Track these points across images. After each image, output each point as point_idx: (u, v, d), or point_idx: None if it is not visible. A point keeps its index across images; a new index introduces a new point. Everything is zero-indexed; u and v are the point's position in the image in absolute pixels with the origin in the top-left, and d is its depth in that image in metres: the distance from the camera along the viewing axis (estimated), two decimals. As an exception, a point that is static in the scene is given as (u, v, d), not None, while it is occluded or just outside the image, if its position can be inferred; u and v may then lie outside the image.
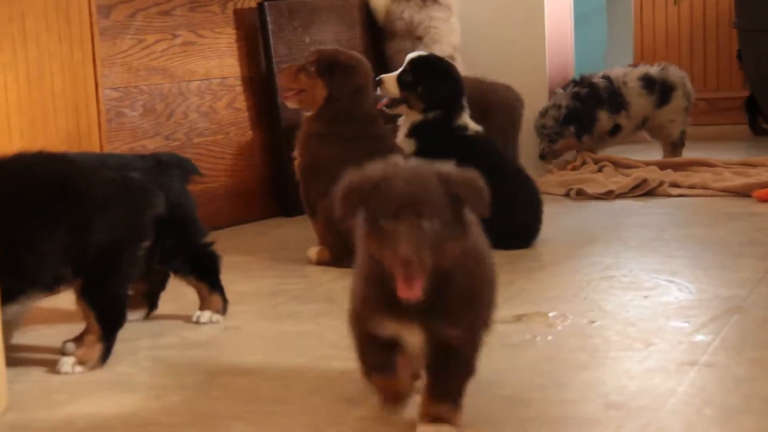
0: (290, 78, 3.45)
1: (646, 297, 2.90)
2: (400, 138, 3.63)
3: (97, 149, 3.33)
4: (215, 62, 4.04)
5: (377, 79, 3.57)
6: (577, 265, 3.34)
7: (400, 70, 3.66)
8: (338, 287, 3.14)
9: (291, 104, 3.49)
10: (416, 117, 3.60)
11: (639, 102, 5.10)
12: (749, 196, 4.29)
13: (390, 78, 3.62)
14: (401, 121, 3.68)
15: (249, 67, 4.22)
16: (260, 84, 4.26)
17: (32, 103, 3.10)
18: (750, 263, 3.22)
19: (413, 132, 3.61)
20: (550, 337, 2.58)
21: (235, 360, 2.47)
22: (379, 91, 3.57)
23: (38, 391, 2.32)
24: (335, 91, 3.42)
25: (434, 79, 3.61)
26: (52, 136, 3.17)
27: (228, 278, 2.84)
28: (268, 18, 4.23)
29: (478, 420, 2.06)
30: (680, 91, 5.17)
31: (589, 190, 4.48)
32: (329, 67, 3.43)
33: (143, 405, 2.23)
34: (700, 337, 2.52)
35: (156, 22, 3.75)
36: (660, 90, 5.12)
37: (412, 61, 3.67)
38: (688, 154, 5.14)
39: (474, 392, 2.23)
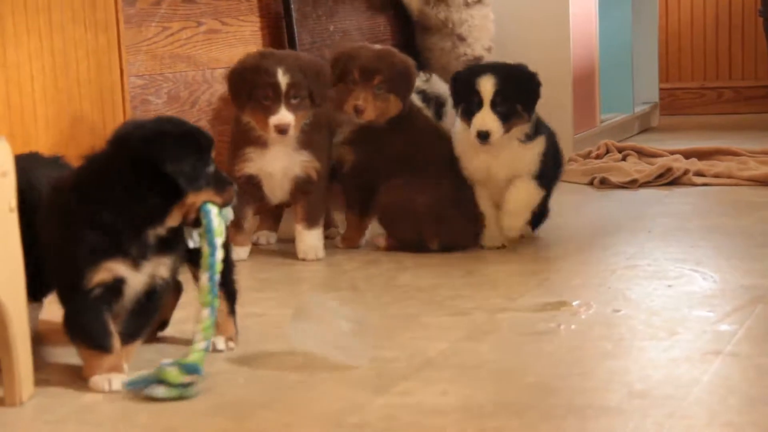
0: (372, 109, 3.39)
1: (670, 286, 2.90)
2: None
3: (121, 137, 3.34)
4: (239, 50, 4.04)
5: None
6: (601, 255, 3.33)
7: None
8: (361, 275, 3.15)
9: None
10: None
11: None
12: (775, 185, 4.28)
13: None
14: None
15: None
16: (284, 72, 4.26)
17: (58, 91, 3.11)
18: (775, 253, 3.21)
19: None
20: (574, 326, 2.58)
21: (258, 348, 2.48)
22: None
23: (62, 379, 2.33)
24: (406, 100, 3.50)
25: None
26: (77, 123, 3.18)
27: (251, 265, 2.85)
28: (293, 6, 4.23)
29: (502, 408, 2.06)
30: (449, 104, 4.83)
31: (613, 178, 4.47)
32: (400, 82, 3.46)
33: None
34: (724, 327, 2.52)
35: (181, 10, 3.76)
36: (436, 104, 4.81)
37: None
38: (712, 143, 5.11)
39: (498, 380, 2.24)
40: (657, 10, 6.38)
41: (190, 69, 3.80)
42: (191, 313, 2.59)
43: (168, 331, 2.60)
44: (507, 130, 3.23)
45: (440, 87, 4.53)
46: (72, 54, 3.16)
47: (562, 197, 4.30)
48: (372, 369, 2.31)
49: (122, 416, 2.10)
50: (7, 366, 2.16)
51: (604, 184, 4.47)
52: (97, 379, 2.24)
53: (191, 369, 2.19)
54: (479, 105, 3.22)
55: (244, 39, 4.08)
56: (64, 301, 2.30)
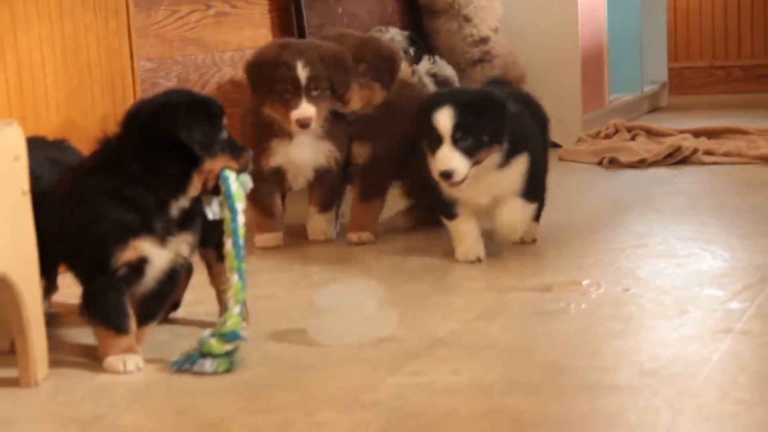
0: (357, 99, 3.28)
1: (680, 265, 2.90)
2: None
3: (132, 120, 3.35)
4: (248, 33, 4.04)
5: None
6: (611, 234, 3.33)
7: None
8: (371, 256, 3.16)
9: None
10: None
11: None
12: (784, 163, 4.27)
13: None
14: None
15: (282, 37, 4.22)
16: (293, 54, 4.26)
17: (69, 75, 3.11)
18: (784, 231, 3.21)
19: None
20: (584, 305, 2.59)
21: (272, 328, 2.49)
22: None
23: (77, 360, 2.35)
24: (391, 87, 3.35)
25: None
26: (88, 107, 3.18)
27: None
28: (301, -12, 4.23)
29: (513, 386, 2.07)
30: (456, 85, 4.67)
31: (622, 158, 4.47)
32: (384, 70, 3.32)
33: (184, 373, 2.25)
34: (734, 305, 2.52)
35: (190, -7, 3.76)
36: (444, 86, 4.54)
37: None
38: (722, 122, 5.10)
39: (509, 359, 2.25)
40: (665, -10, 6.36)
41: (199, 52, 3.80)
42: (202, 295, 2.62)
43: (179, 313, 2.61)
44: (475, 164, 2.87)
45: (447, 70, 4.55)
46: (82, 38, 3.16)
47: (572, 177, 4.31)
48: (384, 349, 2.32)
49: (136, 396, 2.12)
50: (22, 347, 2.18)
51: (613, 163, 4.47)
52: (112, 360, 2.25)
53: (231, 336, 2.23)
54: (439, 141, 2.86)
55: (254, 21, 4.08)
56: (85, 281, 2.31)
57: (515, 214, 2.98)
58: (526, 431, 1.85)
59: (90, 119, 3.18)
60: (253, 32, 4.06)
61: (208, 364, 2.22)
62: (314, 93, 3.15)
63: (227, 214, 2.27)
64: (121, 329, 2.26)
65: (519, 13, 5.02)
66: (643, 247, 3.11)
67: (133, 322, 2.29)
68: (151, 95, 2.39)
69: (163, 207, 2.26)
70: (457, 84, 4.57)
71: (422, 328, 2.45)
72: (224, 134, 2.30)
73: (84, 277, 2.31)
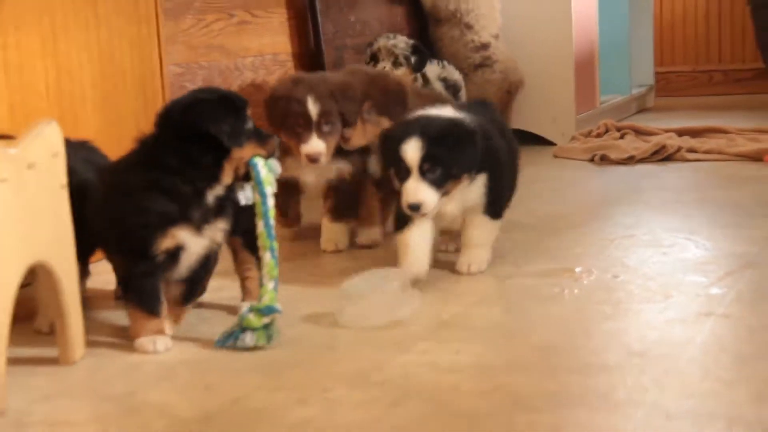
0: (359, 136, 3.07)
1: (665, 254, 2.89)
2: None
3: (161, 120, 3.35)
4: (268, 40, 4.04)
5: None
6: (602, 225, 3.33)
7: None
8: (379, 251, 3.16)
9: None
10: None
11: None
12: (761, 160, 4.26)
13: None
14: None
15: (299, 44, 4.22)
16: (309, 59, 4.26)
17: (104, 78, 3.12)
18: (762, 222, 3.20)
19: None
20: (576, 291, 2.58)
21: (288, 312, 2.48)
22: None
23: (111, 341, 2.35)
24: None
25: None
26: (121, 108, 3.19)
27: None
28: (317, -2, 4.23)
29: (511, 366, 2.07)
30: (464, 90, 4.70)
31: (612, 155, 4.47)
32: (392, 105, 3.09)
33: (204, 352, 2.25)
34: (716, 291, 2.52)
35: (214, 3, 3.75)
36: (453, 90, 4.61)
37: None
38: (704, 122, 5.09)
39: (507, 340, 2.24)
40: (652, 1, 6.35)
41: (223, 57, 3.80)
42: (225, 282, 2.62)
43: (204, 298, 2.61)
44: (444, 194, 2.61)
45: (455, 74, 4.55)
46: (116, 44, 3.16)
47: (566, 173, 4.30)
48: (393, 331, 2.31)
49: (165, 374, 2.12)
50: (61, 329, 2.18)
51: (604, 160, 4.46)
52: (144, 341, 2.26)
53: (268, 310, 2.24)
54: (407, 173, 2.59)
55: (273, 29, 4.08)
56: (124, 267, 2.31)
57: (480, 231, 2.76)
58: (522, 407, 1.85)
59: (123, 119, 3.19)
60: (272, 39, 4.06)
61: (248, 338, 2.24)
62: (325, 128, 2.99)
63: (258, 198, 2.29)
64: (153, 312, 2.27)
65: (518, 23, 5.01)
66: (631, 237, 3.11)
67: (164, 306, 2.29)
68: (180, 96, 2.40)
69: (199, 196, 2.27)
70: (463, 88, 4.56)
71: (427, 312, 2.45)
72: (250, 124, 2.32)
73: (123, 263, 2.32)
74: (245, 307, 2.26)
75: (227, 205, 2.34)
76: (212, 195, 2.29)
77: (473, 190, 2.69)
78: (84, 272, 2.63)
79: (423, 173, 2.57)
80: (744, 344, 2.15)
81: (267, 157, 2.31)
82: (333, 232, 3.17)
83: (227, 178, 2.30)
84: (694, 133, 4.86)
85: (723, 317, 2.31)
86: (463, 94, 4.53)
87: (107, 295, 2.72)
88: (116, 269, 2.46)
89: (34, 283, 2.33)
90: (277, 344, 2.26)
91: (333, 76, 3.18)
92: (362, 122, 3.02)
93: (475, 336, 2.29)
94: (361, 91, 3.06)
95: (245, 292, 2.54)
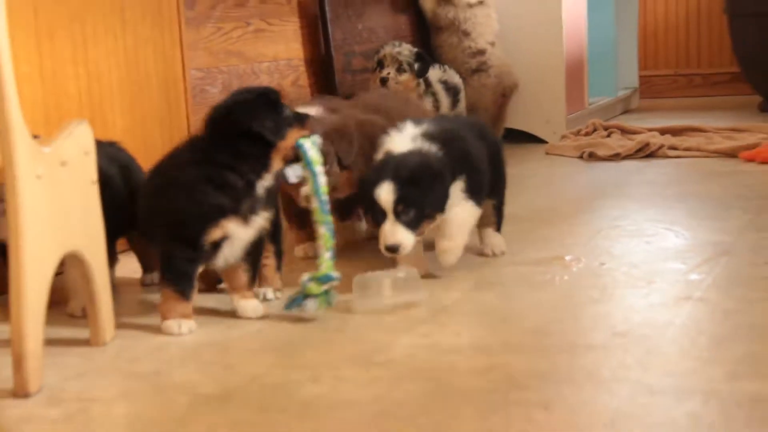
0: (345, 189, 2.77)
1: (648, 243, 2.89)
2: None
3: (184, 121, 3.35)
4: (282, 46, 4.04)
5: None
6: (589, 217, 3.33)
7: None
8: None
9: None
10: None
11: (444, 103, 4.41)
12: (736, 156, 4.25)
13: None
14: None
15: (310, 50, 4.22)
16: (320, 64, 4.26)
17: (131, 82, 3.12)
18: (737, 214, 3.20)
19: None
20: (566, 277, 2.58)
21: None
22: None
23: (138, 324, 2.36)
24: (351, 158, 2.77)
25: None
26: (146, 110, 3.19)
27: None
28: (327, 8, 4.22)
29: (506, 347, 2.07)
30: (462, 93, 4.57)
31: (600, 152, 4.46)
32: (346, 151, 2.75)
33: (225, 333, 2.26)
34: (694, 276, 2.52)
35: (233, 13, 3.75)
36: (453, 93, 4.48)
37: None
38: (684, 121, 5.08)
39: (503, 323, 2.24)
40: (637, 7, 6.34)
41: (240, 63, 3.80)
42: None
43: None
44: (419, 234, 2.51)
45: (455, 77, 4.54)
46: (142, 51, 3.16)
47: (557, 169, 4.30)
48: (398, 315, 2.31)
49: (189, 354, 2.12)
50: (92, 313, 2.19)
51: (592, 157, 4.46)
52: (170, 323, 2.26)
53: (326, 278, 2.28)
54: (383, 215, 2.47)
55: (286, 37, 4.07)
56: (170, 251, 2.29)
57: (460, 215, 2.58)
58: (516, 384, 1.85)
59: (148, 120, 3.19)
60: (286, 46, 4.06)
61: (311, 304, 2.27)
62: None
63: (309, 177, 2.30)
64: (185, 296, 2.27)
65: (513, 30, 5.00)
66: (616, 227, 3.11)
67: (195, 292, 2.29)
68: (223, 98, 2.38)
69: (251, 188, 2.28)
70: (462, 91, 4.55)
71: (429, 297, 2.45)
72: (287, 111, 2.32)
73: (169, 248, 2.30)
74: (306, 276, 2.27)
75: (274, 194, 2.36)
76: (262, 186, 2.30)
77: (453, 197, 2.55)
78: (113, 260, 2.64)
79: (398, 215, 2.45)
80: (719, 326, 2.15)
81: (309, 135, 2.32)
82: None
83: (277, 165, 2.31)
84: (675, 131, 4.85)
85: (700, 301, 2.31)
86: (462, 97, 4.52)
87: (134, 283, 2.72)
88: (144, 255, 2.45)
89: (65, 272, 2.33)
90: (291, 326, 2.26)
91: (328, 117, 2.83)
92: (348, 171, 2.71)
93: (473, 319, 2.29)
94: (324, 152, 2.58)
95: (261, 279, 2.53)
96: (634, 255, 2.77)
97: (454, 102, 4.41)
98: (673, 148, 4.49)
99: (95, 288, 2.17)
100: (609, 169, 4.22)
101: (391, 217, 2.46)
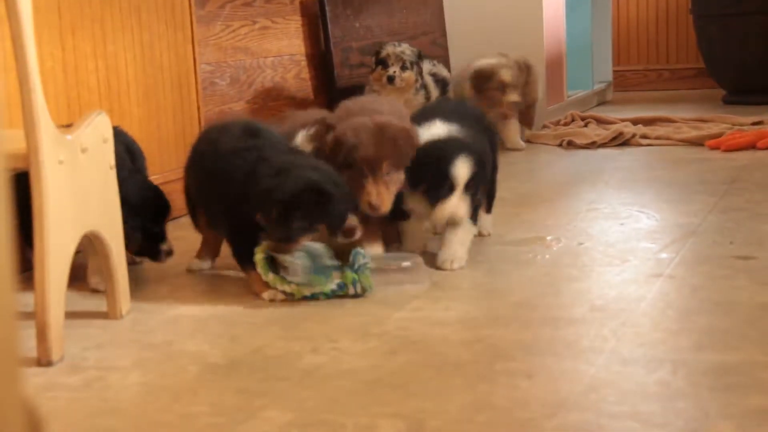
0: (388, 201, 2.42)
1: (622, 224, 2.88)
2: None
3: (195, 112, 3.33)
4: (285, 43, 4.01)
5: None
6: (569, 200, 3.31)
7: None
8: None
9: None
10: None
11: (434, 94, 4.31)
12: (702, 145, 4.24)
13: None
14: None
15: (311, 46, 4.19)
16: (320, 59, 4.23)
17: (146, 76, 3.09)
18: (702, 198, 3.18)
19: None
20: (547, 256, 2.56)
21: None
22: None
23: (152, 299, 2.34)
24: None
25: None
26: (161, 101, 3.16)
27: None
28: (327, 7, 4.19)
29: (492, 320, 2.05)
30: (450, 86, 4.49)
31: (577, 141, 4.44)
32: (405, 156, 2.45)
33: (231, 308, 2.24)
34: (664, 255, 2.50)
35: (240, 12, 3.72)
36: (442, 84, 4.41)
37: None
38: (654, 112, 5.07)
39: (489, 298, 2.23)
40: (611, 7, 6.31)
41: (247, 58, 3.77)
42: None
43: (228, 263, 2.59)
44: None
45: (444, 71, 4.50)
46: (156, 46, 3.13)
47: (538, 157, 4.28)
48: (391, 292, 2.29)
49: (199, 327, 2.11)
50: (110, 288, 2.17)
51: (571, 145, 4.44)
52: (270, 293, 2.25)
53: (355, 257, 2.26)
54: (450, 190, 2.41)
55: (290, 34, 4.05)
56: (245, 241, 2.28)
57: (462, 234, 2.51)
58: (501, 355, 1.83)
59: (162, 110, 3.16)
60: (289, 42, 4.03)
61: (355, 287, 2.23)
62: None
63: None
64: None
65: (494, 27, 4.97)
66: (594, 210, 3.09)
67: None
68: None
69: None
70: (450, 84, 4.51)
71: (421, 275, 2.43)
72: (316, 218, 2.21)
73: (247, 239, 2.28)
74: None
75: None
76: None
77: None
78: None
79: (465, 189, 2.42)
80: (687, 301, 2.14)
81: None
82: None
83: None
84: (646, 122, 4.83)
85: (669, 278, 2.30)
86: (450, 89, 4.49)
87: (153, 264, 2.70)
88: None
89: (84, 251, 2.31)
90: (293, 303, 2.25)
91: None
92: (386, 186, 2.39)
93: (462, 295, 2.28)
94: (377, 155, 2.37)
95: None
96: (610, 235, 2.75)
97: (443, 93, 4.38)
98: (645, 137, 4.47)
99: (112, 265, 2.14)
100: (586, 157, 4.21)
101: (459, 190, 2.42)
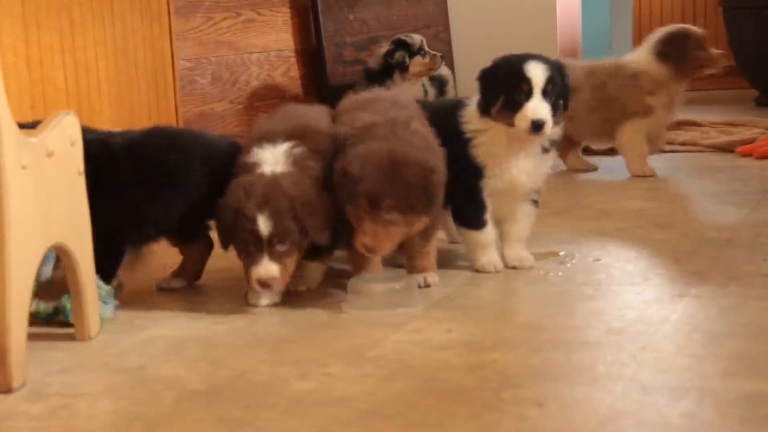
0: (385, 244, 2.35)
1: (642, 239, 2.88)
2: None
3: (172, 112, 3.34)
4: (273, 37, 4.02)
5: None
6: (583, 212, 3.32)
7: None
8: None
9: None
10: None
11: (431, 93, 4.42)
12: (732, 151, 4.25)
13: None
14: None
15: (301, 41, 4.21)
16: (311, 55, 4.24)
17: (119, 72, 3.10)
18: (732, 209, 3.19)
19: None
20: (560, 273, 2.57)
21: (289, 294, 2.47)
22: None
23: (124, 319, 2.34)
24: (431, 211, 2.39)
25: None
26: (135, 100, 3.17)
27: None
28: (318, -2, 4.21)
29: (499, 343, 2.06)
30: (450, 84, 4.61)
31: (595, 146, 4.45)
32: (419, 199, 2.33)
33: (212, 329, 2.24)
34: (689, 273, 2.51)
35: (222, 2, 3.74)
36: (439, 84, 4.51)
37: None
38: (680, 115, 5.07)
39: (495, 319, 2.23)
40: (631, 5, 6.34)
41: (230, 53, 3.79)
42: (228, 264, 2.60)
43: (212, 278, 2.59)
44: (554, 124, 2.53)
45: (443, 69, 4.52)
46: (130, 40, 3.15)
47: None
48: (383, 314, 2.30)
49: (173, 349, 2.11)
50: (78, 306, 2.17)
51: (587, 151, 4.44)
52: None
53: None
54: (528, 94, 2.49)
55: (277, 27, 4.06)
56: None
57: (529, 219, 2.67)
58: (509, 382, 1.84)
59: (136, 110, 3.17)
60: (276, 36, 4.05)
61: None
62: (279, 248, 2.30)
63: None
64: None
65: (508, 22, 4.99)
66: (611, 223, 3.10)
67: None
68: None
69: None
70: (450, 82, 4.53)
71: (421, 292, 2.44)
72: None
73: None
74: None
75: None
76: None
77: (544, 163, 2.62)
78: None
79: (544, 94, 2.49)
80: (714, 323, 2.14)
81: None
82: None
83: None
84: (671, 126, 4.84)
85: (695, 298, 2.30)
86: (449, 88, 4.51)
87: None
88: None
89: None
90: (278, 322, 2.25)
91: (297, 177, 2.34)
92: (383, 225, 2.31)
93: (466, 315, 2.28)
94: (378, 186, 2.28)
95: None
96: (629, 251, 2.76)
97: (440, 94, 4.40)
98: (669, 142, 4.48)
99: (80, 281, 2.15)
100: (604, 163, 4.21)
101: (538, 94, 2.48)
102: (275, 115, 2.55)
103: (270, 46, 3.99)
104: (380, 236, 2.30)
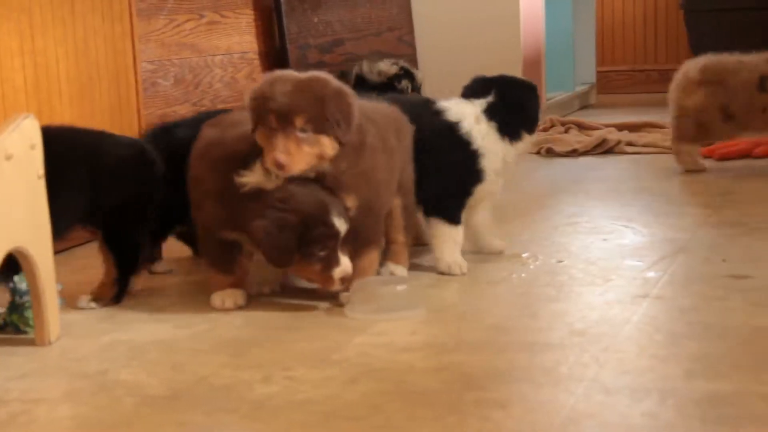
0: (298, 160, 2.24)
1: (605, 240, 2.89)
2: None
3: (135, 114, 3.31)
4: (236, 39, 4.00)
5: None
6: (547, 213, 3.33)
7: None
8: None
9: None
10: None
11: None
12: (694, 153, 4.27)
13: None
14: None
15: (265, 43, 4.19)
16: (275, 58, 4.23)
17: (80, 73, 3.07)
18: (693, 211, 3.22)
19: None
20: (523, 275, 2.57)
21: (253, 296, 2.46)
22: None
23: (85, 322, 2.32)
24: (345, 135, 2.28)
25: None
26: (96, 102, 3.14)
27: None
28: (282, 0, 4.19)
29: (463, 344, 2.06)
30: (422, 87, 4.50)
31: (557, 148, 4.47)
32: (332, 119, 2.26)
33: (174, 333, 2.22)
34: (651, 274, 2.52)
35: (185, 4, 3.71)
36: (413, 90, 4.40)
37: None
38: (641, 117, 5.11)
39: (460, 321, 2.23)
40: (594, 3, 6.37)
41: (193, 56, 3.76)
42: (194, 267, 2.58)
43: (174, 281, 2.57)
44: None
45: (418, 72, 4.53)
46: (91, 41, 3.12)
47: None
48: (382, 319, 2.28)
49: (135, 354, 2.09)
50: (37, 311, 2.14)
51: (550, 153, 4.46)
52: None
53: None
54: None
55: (240, 29, 4.04)
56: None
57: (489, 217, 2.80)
58: (472, 384, 1.83)
59: (98, 112, 3.14)
60: (240, 38, 4.03)
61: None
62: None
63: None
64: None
65: (470, 24, 5.00)
66: (574, 224, 3.11)
67: None
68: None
69: None
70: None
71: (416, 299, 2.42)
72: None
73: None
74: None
75: None
76: None
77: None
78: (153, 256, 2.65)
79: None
80: (676, 324, 2.15)
81: None
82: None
83: None
84: (633, 128, 4.87)
85: (657, 299, 2.31)
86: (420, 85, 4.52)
87: (82, 282, 2.67)
88: None
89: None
90: (241, 324, 2.24)
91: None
92: (296, 142, 2.24)
93: (430, 317, 2.28)
94: (290, 105, 2.23)
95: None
96: (592, 252, 2.77)
97: (414, 89, 4.41)
98: (631, 144, 4.51)
99: (40, 285, 2.12)
100: (566, 165, 4.23)
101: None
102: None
103: (233, 48, 3.97)
104: (292, 152, 2.22)
